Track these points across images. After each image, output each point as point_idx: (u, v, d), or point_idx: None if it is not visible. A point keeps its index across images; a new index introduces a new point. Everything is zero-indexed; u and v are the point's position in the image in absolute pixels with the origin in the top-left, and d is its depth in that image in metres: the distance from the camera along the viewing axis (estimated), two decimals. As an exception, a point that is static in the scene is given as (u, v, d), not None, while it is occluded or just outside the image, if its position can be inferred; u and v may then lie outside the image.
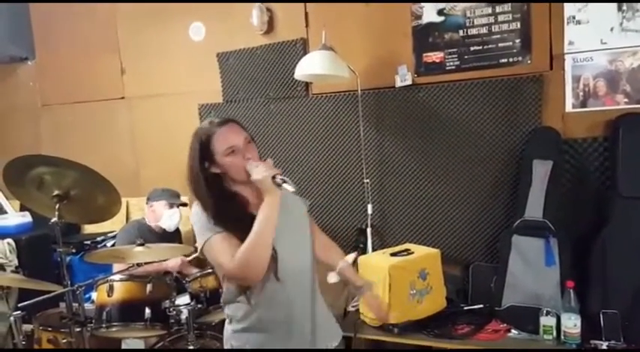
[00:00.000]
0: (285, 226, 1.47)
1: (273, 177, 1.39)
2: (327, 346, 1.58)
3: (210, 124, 1.49)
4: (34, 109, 3.87)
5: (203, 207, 1.46)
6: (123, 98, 3.56)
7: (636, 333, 2.05)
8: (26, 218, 3.48)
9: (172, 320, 2.35)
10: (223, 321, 2.63)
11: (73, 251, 3.26)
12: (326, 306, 1.66)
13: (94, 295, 2.46)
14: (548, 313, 2.15)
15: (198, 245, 1.48)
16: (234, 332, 1.53)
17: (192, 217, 1.48)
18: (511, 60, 2.50)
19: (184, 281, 2.53)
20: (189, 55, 3.26)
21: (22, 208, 3.52)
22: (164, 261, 2.67)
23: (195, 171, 1.47)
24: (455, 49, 2.60)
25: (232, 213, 1.44)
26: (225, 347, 1.57)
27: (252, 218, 1.41)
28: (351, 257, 1.98)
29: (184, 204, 3.03)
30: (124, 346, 2.71)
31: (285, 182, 1.40)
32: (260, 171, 1.40)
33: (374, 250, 2.67)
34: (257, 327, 1.48)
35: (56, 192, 2.09)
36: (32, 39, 3.81)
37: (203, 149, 1.46)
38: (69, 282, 2.11)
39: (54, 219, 2.07)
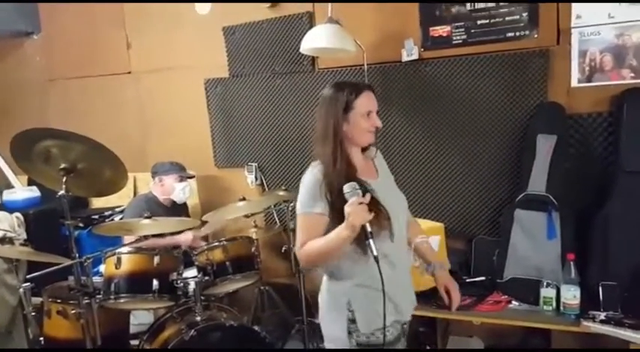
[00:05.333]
0: (390, 188, 1.62)
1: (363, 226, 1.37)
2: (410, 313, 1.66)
3: (355, 84, 1.58)
4: (41, 84, 3.86)
5: (326, 166, 1.50)
6: (129, 73, 3.55)
7: (634, 304, 2.09)
8: (34, 192, 3.49)
9: (180, 292, 2.39)
10: (229, 293, 2.73)
11: (81, 225, 3.28)
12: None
13: (102, 268, 2.49)
14: (548, 285, 2.19)
15: (297, 208, 1.54)
16: (353, 286, 1.53)
17: (304, 180, 1.54)
18: (518, 34, 2.48)
19: (192, 255, 2.57)
20: (195, 28, 3.24)
21: (30, 183, 3.56)
22: (177, 233, 2.70)
23: (334, 123, 1.51)
24: (462, 23, 2.58)
25: (344, 178, 1.46)
26: (336, 304, 1.56)
27: (360, 184, 1.45)
28: (434, 239, 1.88)
29: (192, 176, 3.07)
30: (132, 318, 2.77)
31: (371, 238, 1.38)
32: (359, 212, 1.35)
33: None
34: (369, 284, 1.50)
35: (63, 166, 2.08)
36: (37, 13, 3.78)
37: (348, 102, 1.52)
38: (77, 255, 2.12)
39: (61, 192, 2.05)
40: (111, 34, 3.53)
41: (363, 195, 1.38)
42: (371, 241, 1.37)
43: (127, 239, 2.62)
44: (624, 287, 2.13)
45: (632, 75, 2.32)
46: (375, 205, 1.43)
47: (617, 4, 2.28)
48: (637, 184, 2.20)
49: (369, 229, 1.37)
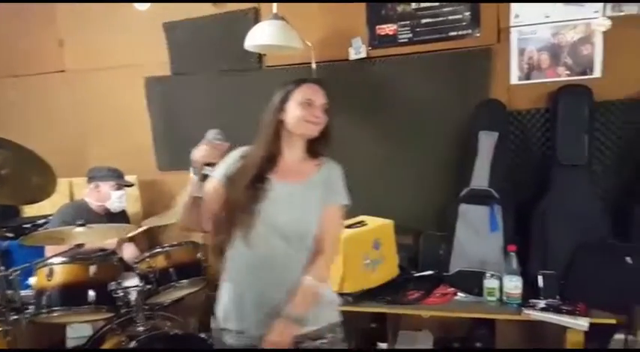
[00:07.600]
0: (303, 202, 1.52)
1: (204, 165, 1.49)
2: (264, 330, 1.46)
3: (299, 78, 1.62)
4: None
5: (255, 148, 1.57)
6: (63, 71, 3.34)
7: (571, 291, 2.18)
8: (-43, 201, 3.23)
9: (120, 303, 2.27)
10: (175, 301, 2.62)
11: (10, 235, 3.05)
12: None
13: (32, 280, 2.31)
14: (492, 276, 2.25)
15: None
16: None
17: (230, 154, 1.62)
18: (461, 32, 2.54)
19: (133, 263, 2.44)
20: (133, 25, 3.08)
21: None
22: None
23: (271, 114, 1.57)
24: (407, 22, 2.61)
25: (256, 167, 1.51)
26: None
27: (261, 180, 1.50)
28: (326, 291, 1.56)
29: (130, 185, 2.91)
30: (69, 331, 2.60)
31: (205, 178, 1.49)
32: (199, 152, 1.50)
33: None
34: (228, 279, 1.56)
35: (-16, 172, 1.94)
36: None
37: (289, 92, 1.56)
38: (3, 267, 1.98)
39: (-18, 201, 1.92)
40: (41, 29, 3.30)
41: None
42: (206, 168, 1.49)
43: (50, 249, 2.44)
44: (562, 275, 2.22)
45: (567, 72, 2.43)
46: (246, 205, 1.46)
47: (553, 5, 2.38)
48: (571, 177, 2.31)
49: (207, 169, 1.50)
